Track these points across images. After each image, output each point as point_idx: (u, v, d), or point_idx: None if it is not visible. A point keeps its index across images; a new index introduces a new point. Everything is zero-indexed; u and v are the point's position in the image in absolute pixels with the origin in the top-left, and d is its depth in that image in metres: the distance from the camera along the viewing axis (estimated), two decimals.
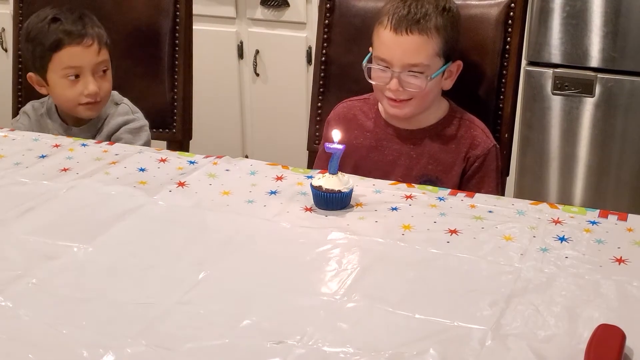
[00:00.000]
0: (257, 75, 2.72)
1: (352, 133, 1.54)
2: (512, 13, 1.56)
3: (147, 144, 1.71)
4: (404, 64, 1.43)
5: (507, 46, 1.57)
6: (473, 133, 1.50)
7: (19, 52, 1.88)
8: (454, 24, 1.46)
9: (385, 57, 1.45)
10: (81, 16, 1.66)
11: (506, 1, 1.57)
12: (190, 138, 1.87)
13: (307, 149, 1.79)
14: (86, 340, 0.92)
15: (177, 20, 1.77)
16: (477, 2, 1.58)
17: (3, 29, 2.92)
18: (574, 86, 2.15)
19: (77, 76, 1.64)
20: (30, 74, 1.70)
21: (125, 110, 1.72)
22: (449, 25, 1.45)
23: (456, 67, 1.49)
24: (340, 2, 1.70)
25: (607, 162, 2.21)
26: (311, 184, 1.26)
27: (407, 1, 1.44)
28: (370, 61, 1.51)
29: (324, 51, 1.72)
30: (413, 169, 1.51)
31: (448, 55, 1.46)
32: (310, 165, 1.74)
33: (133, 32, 1.78)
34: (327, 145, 1.26)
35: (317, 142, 1.76)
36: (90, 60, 1.63)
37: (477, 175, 1.50)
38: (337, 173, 1.25)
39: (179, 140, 1.83)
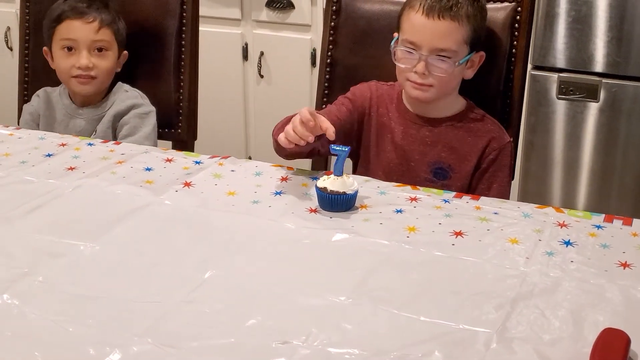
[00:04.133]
0: (262, 76, 2.72)
1: (379, 108, 1.56)
2: (518, 17, 1.57)
3: (154, 130, 1.74)
4: (432, 48, 1.44)
5: (514, 50, 1.57)
6: (490, 127, 1.52)
7: (26, 51, 1.89)
8: (482, 14, 1.48)
9: (414, 40, 1.45)
10: None
11: (513, 5, 1.57)
12: (195, 138, 1.87)
13: None
14: (92, 338, 0.92)
15: (184, 21, 1.78)
16: None
17: (8, 28, 2.92)
18: (578, 91, 2.15)
19: (72, 49, 1.70)
20: (45, 47, 1.78)
21: (134, 95, 1.76)
22: (479, 14, 1.47)
23: (479, 57, 1.51)
24: (347, 4, 1.70)
25: (611, 167, 2.21)
26: (316, 186, 1.26)
27: None
28: (396, 45, 1.51)
29: (329, 53, 1.72)
30: (427, 155, 1.52)
31: (474, 44, 1.48)
32: (314, 167, 1.74)
33: (140, 32, 1.78)
34: (333, 146, 1.26)
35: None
36: (87, 35, 1.69)
37: (491, 169, 1.51)
38: (342, 175, 1.25)
39: (184, 141, 1.83)
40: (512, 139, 1.54)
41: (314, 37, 2.60)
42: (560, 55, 2.14)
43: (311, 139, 1.27)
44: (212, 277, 1.06)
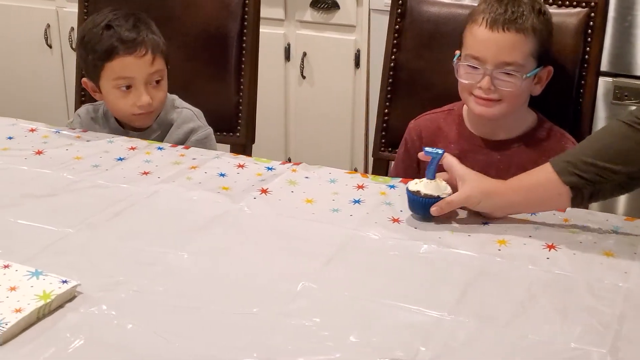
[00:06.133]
0: (304, 77, 2.70)
1: (436, 145, 1.52)
2: (591, 23, 1.53)
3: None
4: (498, 62, 1.40)
5: (586, 56, 1.54)
6: (564, 145, 1.46)
7: None
8: (548, 28, 1.44)
9: (478, 54, 1.41)
10: (136, 23, 1.58)
11: (586, 11, 1.54)
12: (254, 142, 1.85)
13: (373, 156, 1.77)
14: (197, 352, 0.91)
15: (245, 23, 1.75)
16: (555, 11, 1.55)
17: (48, 25, 2.90)
18: (633, 96, 2.12)
19: (129, 87, 1.57)
20: (84, 79, 1.64)
21: (189, 117, 1.65)
22: (544, 28, 1.43)
23: (546, 72, 1.47)
24: (412, 7, 1.67)
25: None
26: (407, 189, 1.24)
27: (503, 1, 1.41)
28: (458, 61, 1.48)
29: (392, 57, 1.69)
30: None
31: (540, 58, 1.44)
32: (377, 171, 1.72)
33: (201, 34, 1.76)
34: (426, 149, 1.23)
35: (382, 149, 1.74)
36: (143, 70, 1.56)
37: None
38: (435, 178, 1.23)
39: (243, 144, 1.80)
40: None
41: (359, 38, 2.58)
42: (615, 59, 2.11)
43: None
44: (305, 289, 1.04)
